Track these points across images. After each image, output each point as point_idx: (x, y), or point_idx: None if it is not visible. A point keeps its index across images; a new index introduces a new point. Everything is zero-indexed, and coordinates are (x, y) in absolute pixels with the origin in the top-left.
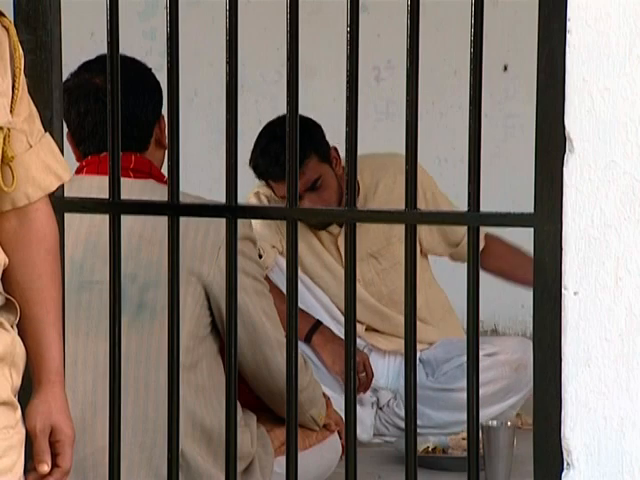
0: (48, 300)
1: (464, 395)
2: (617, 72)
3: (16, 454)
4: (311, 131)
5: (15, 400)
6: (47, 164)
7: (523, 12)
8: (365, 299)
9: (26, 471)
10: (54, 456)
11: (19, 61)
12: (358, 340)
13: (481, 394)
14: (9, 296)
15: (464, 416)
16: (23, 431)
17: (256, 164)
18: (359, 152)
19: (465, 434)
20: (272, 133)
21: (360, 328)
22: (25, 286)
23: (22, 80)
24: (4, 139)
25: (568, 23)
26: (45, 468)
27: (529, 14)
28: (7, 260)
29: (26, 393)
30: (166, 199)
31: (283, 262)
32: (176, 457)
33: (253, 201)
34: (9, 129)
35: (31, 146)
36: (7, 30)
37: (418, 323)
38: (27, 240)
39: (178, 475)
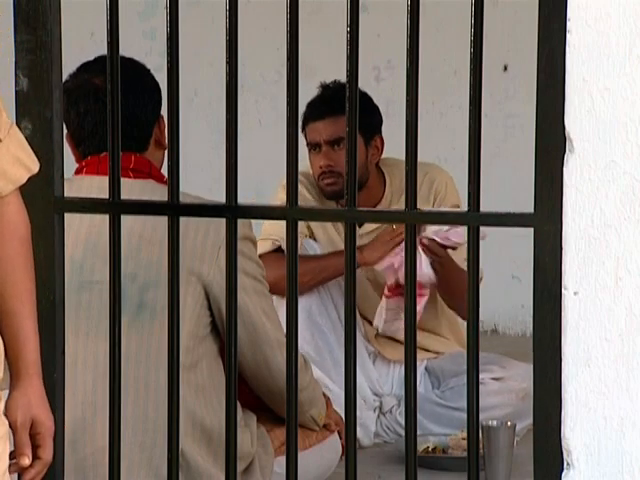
0: (23, 293)
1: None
2: (617, 72)
3: (1, 445)
4: (364, 104)
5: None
6: (17, 157)
7: (523, 12)
8: (377, 303)
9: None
10: (34, 448)
11: None
12: (367, 345)
13: (486, 418)
14: None
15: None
16: (7, 422)
17: (304, 112)
18: (397, 156)
19: (465, 434)
20: (326, 87)
21: (371, 332)
22: (1, 279)
23: None
24: None
25: (568, 23)
26: (26, 461)
27: (529, 14)
28: None
29: None
30: (166, 199)
31: (308, 243)
32: (176, 457)
33: (281, 195)
34: None
35: (0, 140)
36: None
37: (427, 333)
38: (1, 233)
39: (178, 475)
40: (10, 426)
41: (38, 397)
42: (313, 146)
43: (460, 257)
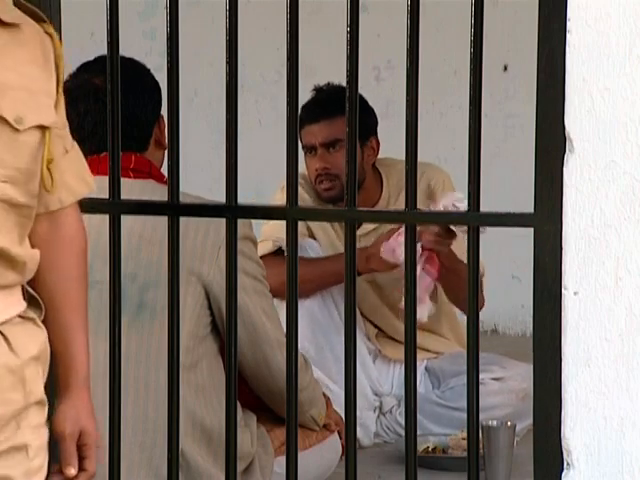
0: (77, 304)
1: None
2: (617, 72)
3: (44, 453)
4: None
5: (45, 398)
6: (79, 171)
7: (523, 12)
8: (376, 304)
9: (49, 473)
10: (80, 460)
11: (61, 68)
12: (367, 343)
13: (486, 418)
14: (33, 292)
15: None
16: (47, 433)
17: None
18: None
19: (465, 434)
20: (320, 90)
21: (372, 331)
22: (55, 290)
23: (62, 87)
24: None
25: (568, 23)
26: (72, 471)
27: (529, 14)
28: (38, 256)
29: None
30: (166, 199)
31: (308, 243)
32: (176, 457)
33: (280, 197)
34: (50, 131)
35: (67, 152)
36: (50, 37)
37: (427, 333)
38: (58, 244)
39: (178, 475)
40: (58, 436)
41: (87, 409)
42: (309, 149)
43: (458, 251)
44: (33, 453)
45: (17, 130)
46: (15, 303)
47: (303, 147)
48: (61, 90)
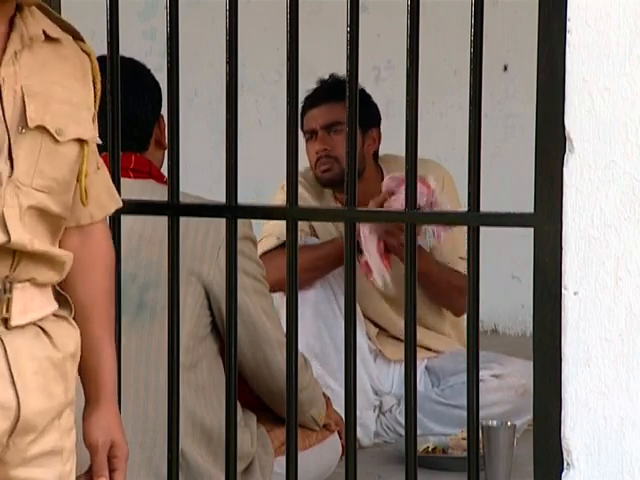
0: (105, 317)
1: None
2: (617, 72)
3: (74, 457)
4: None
5: (75, 399)
6: (108, 187)
7: (523, 12)
8: (377, 302)
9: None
10: (110, 472)
11: (98, 86)
12: (368, 342)
13: (486, 415)
14: (62, 291)
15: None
16: (74, 438)
17: (302, 105)
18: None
19: (465, 434)
20: (324, 81)
21: (373, 331)
22: (87, 303)
23: (98, 104)
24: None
25: (568, 23)
26: None
27: (529, 14)
28: (72, 256)
29: None
30: (166, 199)
31: (310, 240)
32: (176, 457)
33: (280, 196)
34: (88, 145)
35: (99, 167)
36: (88, 55)
37: (427, 331)
38: (89, 259)
39: (178, 475)
40: (90, 447)
41: (117, 421)
42: (310, 134)
43: (455, 256)
44: (66, 457)
45: (57, 141)
46: (49, 301)
47: (305, 134)
48: (97, 106)
